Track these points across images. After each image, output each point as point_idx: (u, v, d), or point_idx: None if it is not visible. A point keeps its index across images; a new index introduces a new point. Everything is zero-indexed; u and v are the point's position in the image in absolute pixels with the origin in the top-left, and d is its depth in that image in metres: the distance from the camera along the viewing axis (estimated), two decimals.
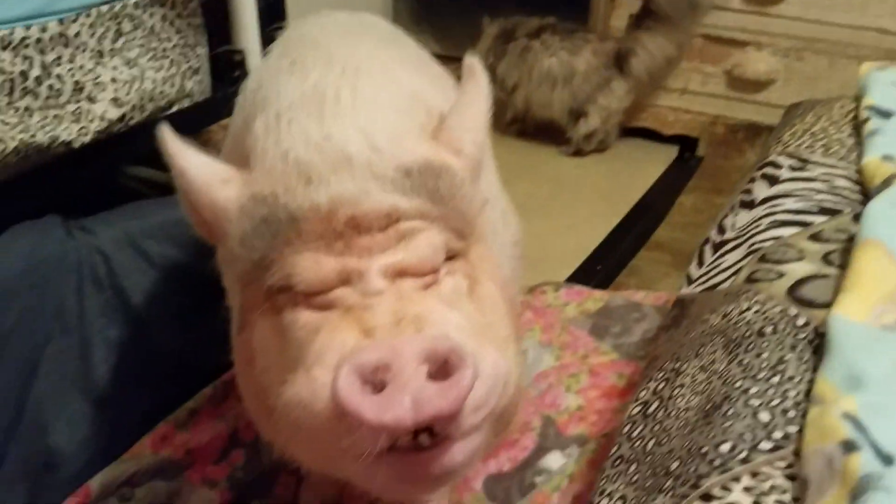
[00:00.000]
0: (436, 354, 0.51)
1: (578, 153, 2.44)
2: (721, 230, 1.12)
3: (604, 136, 2.43)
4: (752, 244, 0.95)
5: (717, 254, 1.03)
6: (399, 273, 0.58)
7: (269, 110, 0.67)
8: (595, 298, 1.54)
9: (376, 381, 0.50)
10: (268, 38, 1.45)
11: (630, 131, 2.51)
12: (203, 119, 1.39)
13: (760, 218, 1.00)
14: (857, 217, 0.89)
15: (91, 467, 1.08)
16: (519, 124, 2.53)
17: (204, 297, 1.27)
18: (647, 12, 2.26)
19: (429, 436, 0.51)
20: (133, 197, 1.48)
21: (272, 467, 1.18)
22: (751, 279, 0.86)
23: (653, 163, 2.40)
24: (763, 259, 0.89)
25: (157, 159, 0.68)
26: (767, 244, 0.92)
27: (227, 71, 1.43)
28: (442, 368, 0.50)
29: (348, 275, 0.57)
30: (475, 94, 0.68)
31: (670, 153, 2.45)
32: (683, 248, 1.95)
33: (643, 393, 0.82)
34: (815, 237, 0.90)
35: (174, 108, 1.30)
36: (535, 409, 1.25)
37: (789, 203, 0.99)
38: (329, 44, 0.77)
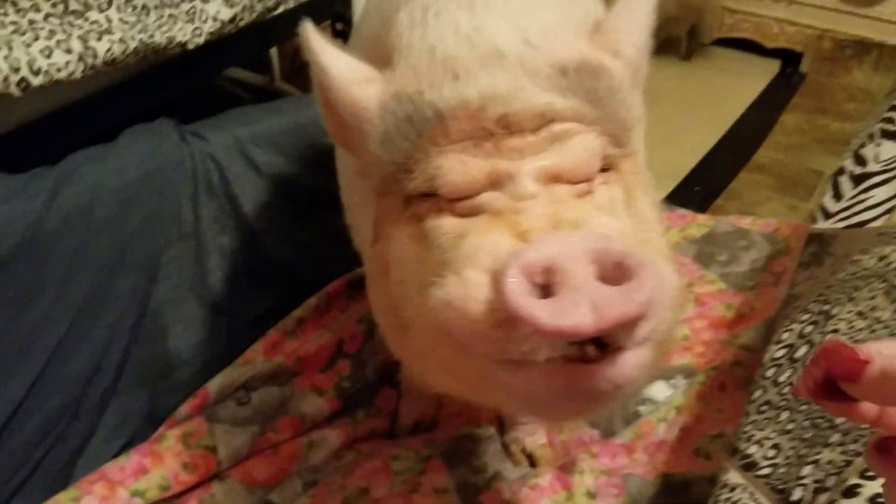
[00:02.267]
0: (608, 255, 0.45)
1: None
2: (860, 160, 1.05)
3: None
4: None
5: (860, 187, 0.97)
6: (552, 177, 0.54)
7: (414, 3, 0.63)
8: (699, 224, 1.49)
9: (542, 285, 0.45)
10: None
11: (730, 42, 2.37)
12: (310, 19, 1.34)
13: None
14: None
15: (207, 370, 1.11)
16: None
17: (309, 209, 1.27)
18: None
19: (596, 347, 0.46)
20: (230, 99, 1.47)
21: (375, 379, 1.20)
22: None
23: (753, 77, 2.27)
24: None
25: (252, 62, 0.63)
26: None
27: None
28: (613, 273, 0.45)
29: (498, 177, 0.53)
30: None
31: (772, 67, 2.32)
32: (785, 172, 1.87)
33: (786, 335, 0.78)
34: None
35: (280, 9, 1.26)
36: None
37: None
38: None
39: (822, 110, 2.11)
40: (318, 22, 1.45)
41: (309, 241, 1.23)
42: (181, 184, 1.07)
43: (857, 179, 1.00)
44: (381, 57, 0.63)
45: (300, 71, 1.64)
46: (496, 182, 0.53)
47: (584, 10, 0.64)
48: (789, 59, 2.30)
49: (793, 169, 1.89)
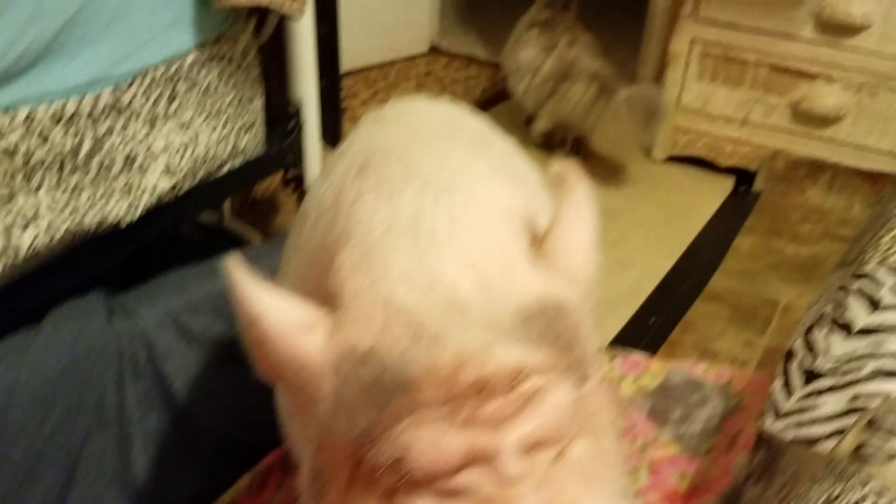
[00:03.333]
0: None
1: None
2: (810, 348, 1.03)
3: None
4: (856, 395, 0.87)
5: (809, 388, 0.95)
6: (534, 446, 0.50)
7: (354, 242, 0.58)
8: (653, 372, 1.47)
9: None
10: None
11: (683, 160, 2.41)
12: (255, 176, 1.32)
13: (862, 357, 0.92)
14: None
15: None
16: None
17: (247, 376, 1.21)
18: None
19: None
20: (177, 240, 1.43)
21: None
22: (860, 455, 0.79)
23: (707, 196, 2.30)
24: (872, 425, 0.81)
25: None
26: (874, 402, 0.84)
27: (281, 122, 1.35)
28: None
29: (477, 455, 0.49)
30: (578, 206, 0.60)
31: (726, 185, 2.35)
32: (741, 301, 1.87)
33: None
34: None
35: (226, 169, 1.23)
36: None
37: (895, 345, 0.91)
38: (415, 158, 0.66)
39: (777, 232, 2.13)
40: (268, 174, 1.44)
41: (245, 410, 1.18)
42: (106, 369, 1.02)
43: (807, 376, 0.98)
44: (318, 288, 0.59)
45: (252, 208, 1.62)
46: (476, 460, 0.49)
47: (525, 224, 0.61)
48: (743, 177, 2.33)
49: (748, 298, 1.89)
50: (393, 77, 3.04)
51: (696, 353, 1.70)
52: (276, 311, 0.53)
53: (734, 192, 2.32)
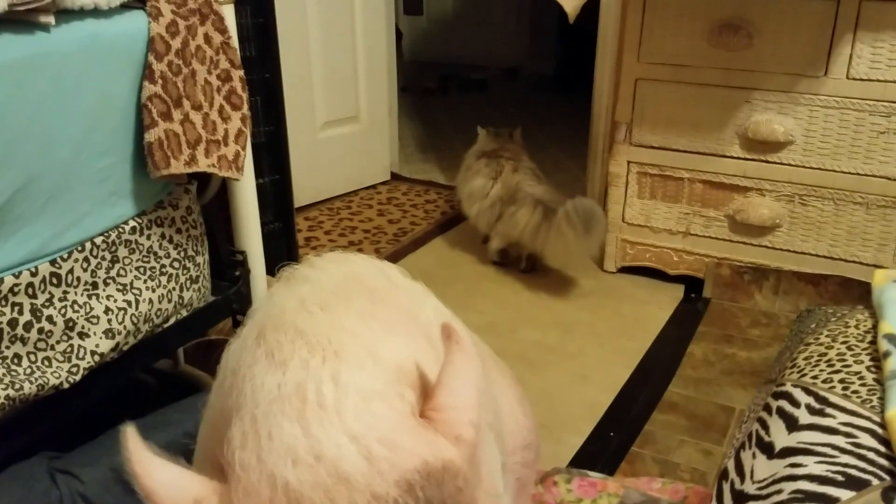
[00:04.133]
0: None
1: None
2: (739, 469, 1.06)
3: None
4: None
5: None
6: None
7: (244, 412, 0.61)
8: (609, 494, 1.48)
9: None
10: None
11: (634, 270, 2.49)
12: (203, 325, 1.36)
13: (781, 479, 0.95)
14: (886, 494, 0.84)
15: None
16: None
17: None
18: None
19: None
20: (130, 385, 1.45)
21: None
22: None
23: (659, 304, 2.37)
24: None
25: None
26: None
27: (228, 269, 1.41)
28: None
29: None
30: (461, 364, 0.62)
31: (677, 292, 2.42)
32: (697, 411, 1.90)
33: None
34: None
35: (171, 322, 1.27)
36: None
37: (811, 465, 0.94)
38: (307, 325, 0.69)
39: (728, 339, 2.19)
40: (217, 321, 1.47)
41: None
42: None
43: (737, 497, 1.00)
44: (214, 466, 0.62)
45: (206, 351, 1.65)
46: None
47: (413, 381, 0.64)
48: (692, 284, 2.41)
49: (704, 407, 1.92)
50: (356, 206, 3.15)
51: (657, 466, 1.71)
52: (168, 487, 0.56)
53: (685, 300, 2.38)
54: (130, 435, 0.58)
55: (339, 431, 0.57)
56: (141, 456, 0.57)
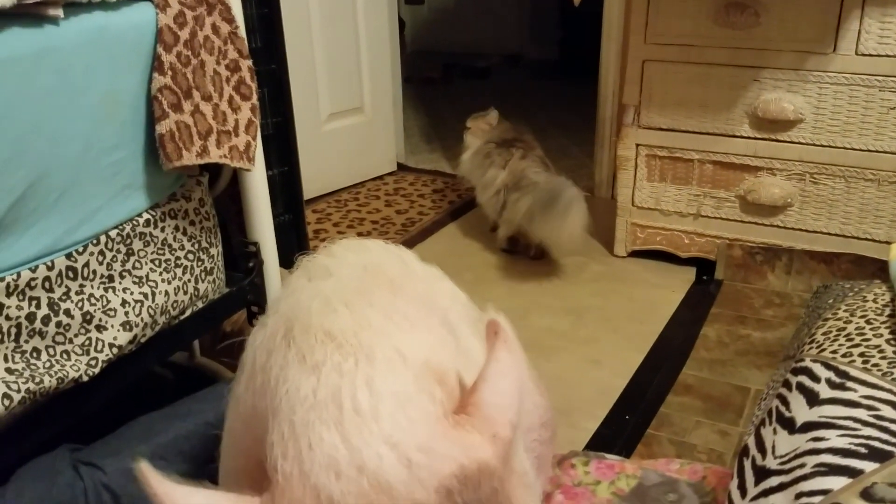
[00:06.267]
0: None
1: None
2: (760, 444, 1.06)
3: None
4: (800, 492, 0.89)
5: (761, 487, 0.97)
6: None
7: (282, 418, 0.61)
8: (628, 475, 1.47)
9: None
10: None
11: (645, 254, 2.48)
12: (218, 316, 1.36)
13: (804, 453, 0.95)
14: None
15: None
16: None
17: None
18: None
19: None
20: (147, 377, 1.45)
21: None
22: None
23: (671, 287, 2.36)
24: None
25: None
26: (816, 499, 0.86)
27: (242, 262, 1.41)
28: None
29: None
30: (507, 362, 0.63)
31: (689, 275, 2.41)
32: (713, 392, 1.90)
33: None
34: (866, 495, 0.84)
35: (187, 314, 1.27)
36: None
37: (834, 439, 0.94)
38: (335, 326, 0.69)
39: (742, 319, 2.18)
40: (232, 312, 1.47)
41: None
42: None
43: (758, 473, 1.00)
44: (250, 462, 0.62)
45: (222, 342, 1.65)
46: None
47: (444, 379, 0.64)
48: (704, 266, 2.40)
49: (719, 388, 1.91)
50: (363, 197, 3.15)
51: (674, 447, 1.71)
52: None
53: (697, 282, 2.38)
54: (146, 471, 0.57)
55: (379, 440, 0.57)
56: (166, 489, 0.56)
